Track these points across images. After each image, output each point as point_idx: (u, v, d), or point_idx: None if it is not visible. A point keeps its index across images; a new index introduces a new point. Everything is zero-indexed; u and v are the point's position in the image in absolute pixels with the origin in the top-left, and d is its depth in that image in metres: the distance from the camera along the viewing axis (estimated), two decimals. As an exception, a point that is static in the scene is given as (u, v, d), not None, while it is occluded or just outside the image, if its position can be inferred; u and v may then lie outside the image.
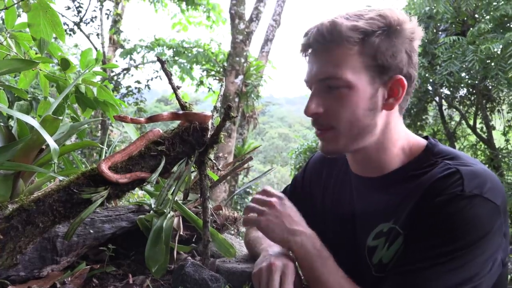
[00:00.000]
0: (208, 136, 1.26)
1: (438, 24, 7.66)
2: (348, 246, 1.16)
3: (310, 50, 1.08)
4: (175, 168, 1.20)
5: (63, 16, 11.24)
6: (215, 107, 1.43)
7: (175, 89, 1.33)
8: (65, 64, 1.93)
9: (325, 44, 1.03)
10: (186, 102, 1.33)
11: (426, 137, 1.14)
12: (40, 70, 2.01)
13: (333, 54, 1.02)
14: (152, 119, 1.29)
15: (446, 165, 1.00)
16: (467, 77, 7.15)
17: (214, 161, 1.30)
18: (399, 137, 1.10)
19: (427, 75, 7.36)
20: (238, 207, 10.76)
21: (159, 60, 1.34)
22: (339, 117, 1.04)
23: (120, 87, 12.21)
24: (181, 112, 1.27)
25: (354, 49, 1.01)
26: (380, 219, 1.08)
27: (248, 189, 10.78)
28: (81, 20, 11.08)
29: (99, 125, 11.07)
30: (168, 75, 1.34)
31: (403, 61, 1.03)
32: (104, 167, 1.10)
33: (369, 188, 1.14)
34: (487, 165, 8.48)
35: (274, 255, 1.11)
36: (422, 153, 1.09)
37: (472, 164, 1.00)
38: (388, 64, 1.02)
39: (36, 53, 2.02)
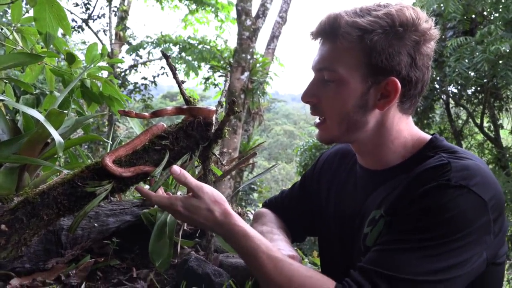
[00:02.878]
0: (212, 131, 1.26)
1: (446, 22, 7.59)
2: (349, 237, 1.16)
3: (319, 39, 1.10)
4: (179, 163, 1.20)
5: (72, 13, 11.29)
6: (219, 102, 1.43)
7: (179, 83, 1.33)
8: (70, 58, 1.94)
9: (325, 36, 1.06)
10: (190, 97, 1.33)
11: (433, 135, 1.14)
12: (46, 64, 2.01)
13: (330, 47, 1.05)
14: (157, 113, 1.29)
15: (440, 157, 1.00)
16: (475, 76, 7.10)
17: (218, 156, 1.30)
18: (398, 135, 1.10)
19: (434, 73, 7.31)
20: (243, 203, 10.78)
21: (164, 54, 1.34)
22: (329, 111, 1.08)
23: (127, 83, 12.25)
24: (185, 107, 1.27)
25: (350, 45, 1.02)
26: (374, 207, 1.09)
27: (252, 185, 10.80)
28: (89, 17, 11.12)
29: (106, 121, 11.12)
30: (173, 70, 1.33)
31: (402, 63, 1.02)
32: (108, 161, 1.10)
33: (371, 180, 1.15)
34: (494, 164, 8.43)
35: (279, 247, 1.13)
36: (423, 148, 1.09)
37: (468, 159, 0.99)
38: (383, 65, 1.01)
39: (42, 48, 2.02)
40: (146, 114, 1.30)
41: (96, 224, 1.41)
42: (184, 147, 1.22)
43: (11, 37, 1.90)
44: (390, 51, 1.00)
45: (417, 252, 0.90)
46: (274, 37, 9.67)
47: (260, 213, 1.44)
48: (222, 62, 10.88)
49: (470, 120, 9.26)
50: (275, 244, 1.16)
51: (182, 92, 1.34)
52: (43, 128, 1.41)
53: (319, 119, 1.12)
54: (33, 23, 1.79)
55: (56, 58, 2.13)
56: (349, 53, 1.02)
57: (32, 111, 1.34)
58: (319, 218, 1.31)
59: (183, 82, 1.35)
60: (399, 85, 1.02)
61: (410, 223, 0.94)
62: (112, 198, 1.49)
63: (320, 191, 1.34)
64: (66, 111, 1.48)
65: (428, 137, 1.12)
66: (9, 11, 1.88)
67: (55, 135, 1.30)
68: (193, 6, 12.79)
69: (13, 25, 1.88)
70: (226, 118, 1.22)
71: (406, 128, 1.12)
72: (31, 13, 1.80)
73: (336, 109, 1.07)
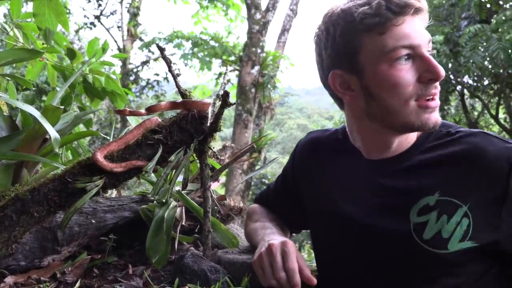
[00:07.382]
0: (208, 124, 1.23)
1: (461, 12, 7.44)
2: (366, 234, 1.06)
3: (412, 11, 0.99)
4: (172, 157, 1.18)
5: (84, 9, 11.37)
6: (217, 95, 1.39)
7: (175, 76, 1.30)
8: (71, 54, 1.92)
9: (423, 7, 1.01)
10: (186, 90, 1.30)
11: None
12: (48, 60, 2.00)
13: (423, 19, 1.02)
14: (151, 109, 1.27)
15: (467, 131, 1.02)
16: (490, 66, 6.98)
17: (214, 150, 1.27)
18: None
19: (449, 64, 7.18)
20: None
21: (159, 47, 1.31)
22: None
23: (139, 79, 12.34)
24: (179, 100, 1.24)
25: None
26: (419, 194, 1.00)
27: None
28: (101, 13, 11.21)
29: (119, 117, 11.20)
30: (168, 63, 1.31)
31: None
32: (99, 156, 1.08)
33: (390, 168, 1.07)
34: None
35: (271, 239, 1.10)
36: None
37: None
38: None
39: (43, 44, 2.01)
40: (141, 111, 1.28)
41: (93, 221, 1.40)
42: (178, 141, 1.20)
43: (11, 33, 1.89)
44: None
45: None
46: (285, 30, 9.59)
47: (252, 210, 1.40)
48: (232, 57, 10.83)
49: (486, 111, 9.10)
50: (268, 237, 1.13)
51: (177, 85, 1.32)
52: (40, 124, 1.39)
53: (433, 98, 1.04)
54: (33, 18, 1.78)
55: (60, 54, 2.11)
56: None
57: (28, 107, 1.33)
58: (316, 217, 1.21)
59: (178, 75, 1.32)
60: None
61: None
62: (102, 193, 1.46)
63: (311, 188, 1.24)
64: (63, 107, 1.46)
65: None
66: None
67: (51, 130, 1.28)
68: (205, 3, 12.80)
69: (12, 20, 1.87)
70: (220, 111, 1.19)
71: None
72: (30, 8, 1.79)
73: None
